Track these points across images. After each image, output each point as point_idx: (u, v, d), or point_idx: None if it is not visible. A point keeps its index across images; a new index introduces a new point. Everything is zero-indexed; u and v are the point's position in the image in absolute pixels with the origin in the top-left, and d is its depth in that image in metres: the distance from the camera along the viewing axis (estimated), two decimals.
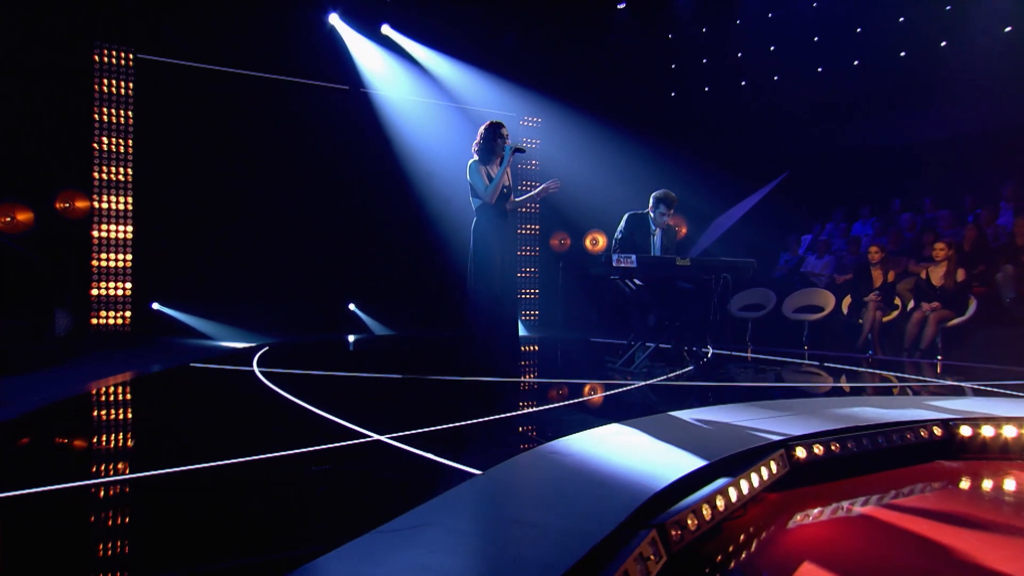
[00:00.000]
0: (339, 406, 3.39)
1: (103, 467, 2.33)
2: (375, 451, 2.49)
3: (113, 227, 8.03)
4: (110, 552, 1.62)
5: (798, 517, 2.33)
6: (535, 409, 3.28)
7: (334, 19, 8.98)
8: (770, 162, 9.85)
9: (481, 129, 4.53)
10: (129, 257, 8.07)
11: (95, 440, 2.78)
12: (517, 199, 4.67)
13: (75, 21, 7.80)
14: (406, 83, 9.49)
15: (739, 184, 9.89)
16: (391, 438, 2.61)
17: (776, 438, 2.66)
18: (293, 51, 8.83)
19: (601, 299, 9.78)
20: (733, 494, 2.13)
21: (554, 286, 10.44)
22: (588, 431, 2.72)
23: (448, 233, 8.83)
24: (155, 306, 8.36)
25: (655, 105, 10.51)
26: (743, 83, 10.41)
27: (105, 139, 7.94)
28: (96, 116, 7.89)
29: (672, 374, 4.60)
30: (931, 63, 8.97)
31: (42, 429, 3.00)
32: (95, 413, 3.37)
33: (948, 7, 8.77)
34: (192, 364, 4.98)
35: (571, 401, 3.57)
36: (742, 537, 2.08)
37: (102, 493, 2.03)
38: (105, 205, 8.01)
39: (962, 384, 4.51)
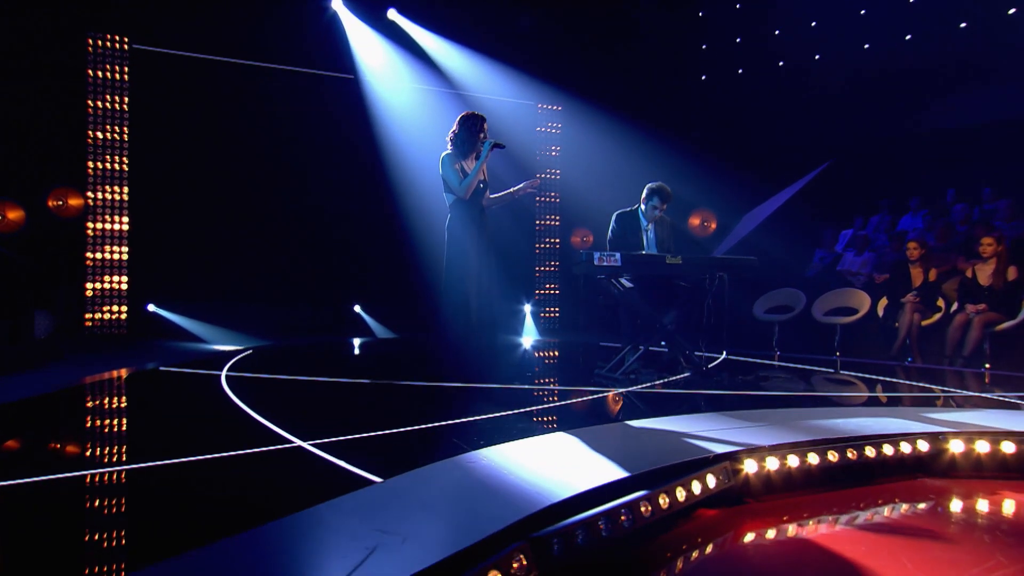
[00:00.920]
0: (282, 411, 3.50)
1: None
2: (288, 457, 2.57)
3: (108, 225, 8.37)
4: None
5: (737, 535, 2.32)
6: (484, 417, 3.32)
7: (337, 4, 9.17)
8: (809, 150, 9.65)
9: (459, 119, 4.59)
10: (125, 257, 8.41)
11: None
12: (493, 196, 4.71)
13: (67, 11, 8.15)
14: (414, 72, 9.62)
15: (774, 175, 9.73)
16: (313, 444, 2.69)
17: (724, 450, 2.64)
18: (295, 40, 9.06)
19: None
20: (645, 508, 2.13)
21: (576, 286, 10.44)
22: (523, 440, 2.75)
23: None
24: (151, 308, 8.67)
25: (684, 90, 10.42)
26: (780, 63, 10.23)
27: (99, 134, 8.30)
28: (90, 111, 8.24)
29: (660, 381, 4.58)
30: (995, 34, 8.64)
31: None
32: (27, 418, 3.55)
33: None
34: (162, 368, 5.17)
35: (528, 408, 3.59)
36: (659, 554, 2.09)
37: None
38: (100, 202, 8.36)
39: (1010, 399, 4.35)
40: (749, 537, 2.36)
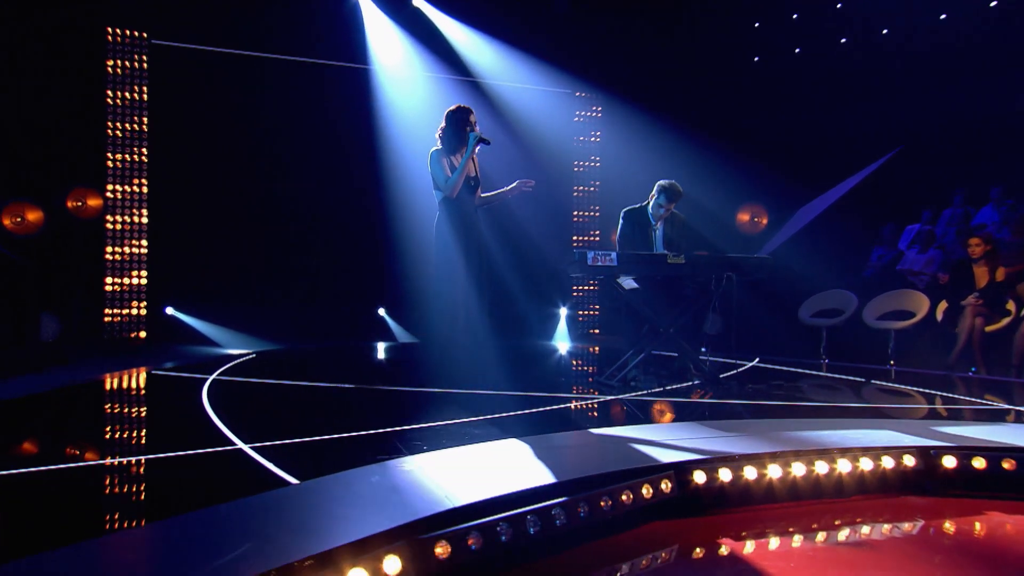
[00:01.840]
0: (244, 415, 3.73)
1: None
2: (221, 459, 2.76)
3: (128, 218, 8.85)
4: None
5: (684, 549, 2.38)
6: (445, 423, 3.45)
7: None
8: (874, 137, 9.40)
9: (446, 113, 4.74)
10: (144, 251, 8.89)
11: None
12: (485, 195, 4.83)
13: (86, 8, 8.67)
14: (441, 63, 9.81)
15: (833, 165, 9.51)
16: (254, 447, 2.88)
17: (676, 459, 2.70)
18: (318, 32, 9.37)
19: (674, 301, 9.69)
20: (561, 515, 2.22)
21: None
22: (468, 446, 2.88)
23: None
24: (169, 311, 9.14)
25: (734, 73, 10.30)
26: (843, 40, 9.99)
27: (119, 133, 8.80)
28: (110, 121, 8.75)
29: (660, 388, 4.61)
30: None
31: None
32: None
33: None
34: (155, 372, 5.51)
35: (498, 415, 3.70)
36: (576, 563, 2.18)
37: None
38: (119, 203, 8.87)
39: None
40: (697, 551, 2.42)
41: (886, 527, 2.65)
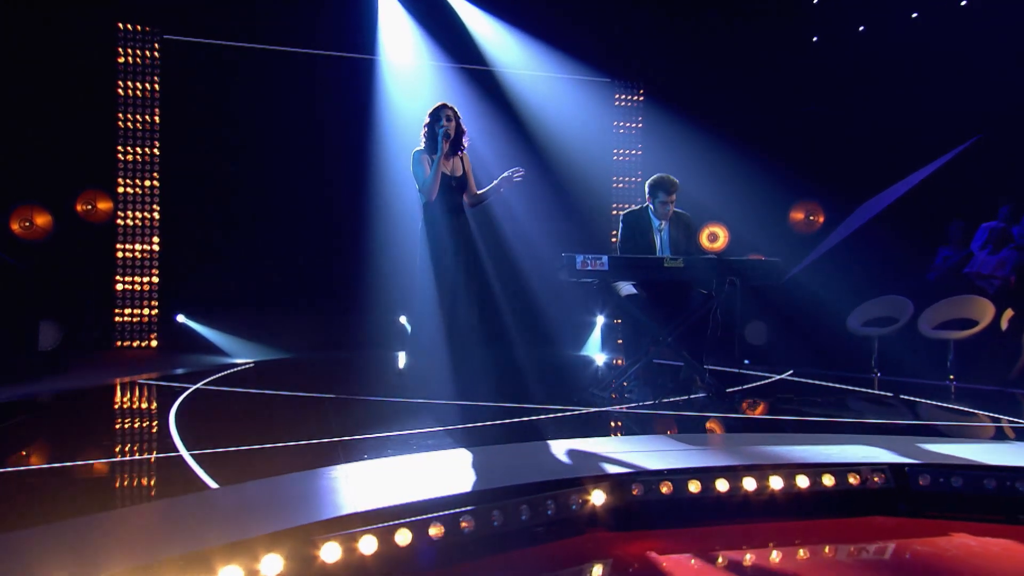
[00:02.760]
0: (205, 424, 4.04)
1: None
2: (159, 465, 3.06)
3: (140, 214, 9.38)
4: None
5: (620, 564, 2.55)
6: (401, 433, 3.69)
7: None
8: (947, 125, 9.24)
9: (430, 110, 4.99)
10: (156, 257, 9.41)
11: None
12: (480, 192, 5.04)
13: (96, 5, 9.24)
14: (469, 51, 10.06)
15: (897, 156, 9.39)
16: (195, 454, 3.16)
17: (615, 471, 2.87)
18: (341, 26, 9.72)
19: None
20: (468, 523, 2.42)
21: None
22: (404, 456, 3.12)
23: (507, 237, 9.37)
24: (180, 319, 9.64)
25: (788, 55, 10.27)
26: (914, 15, 9.87)
27: (130, 138, 9.35)
28: (120, 116, 9.30)
29: (655, 401, 4.75)
30: None
31: None
32: None
33: None
34: (141, 381, 5.93)
35: (463, 426, 3.92)
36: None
37: None
38: (131, 199, 9.40)
39: None
40: (631, 569, 2.58)
41: (840, 548, 2.76)
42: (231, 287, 9.55)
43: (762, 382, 6.27)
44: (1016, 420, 4.67)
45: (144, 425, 4.12)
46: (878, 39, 9.94)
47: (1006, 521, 2.96)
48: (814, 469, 3.03)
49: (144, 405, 4.92)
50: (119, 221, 9.33)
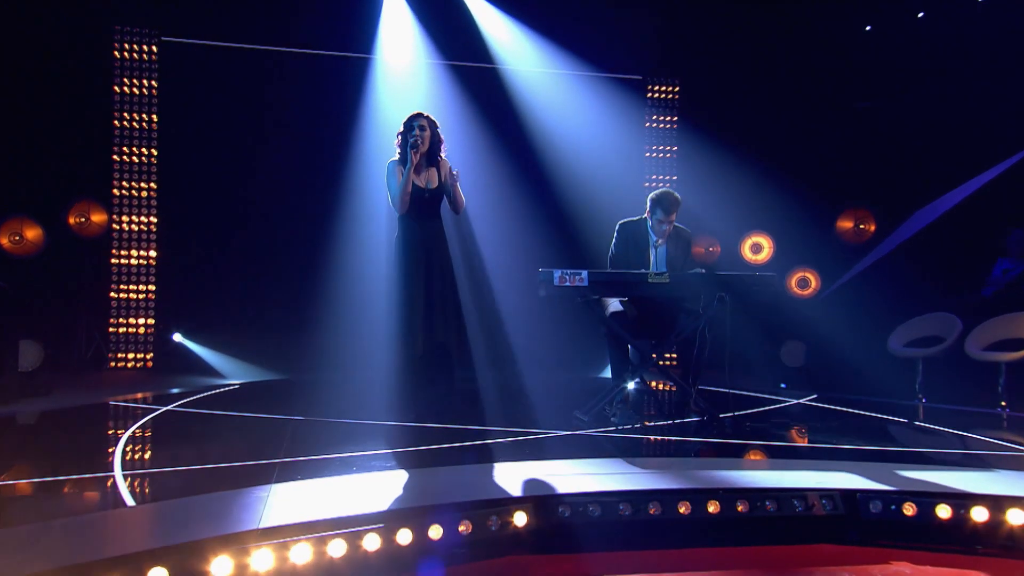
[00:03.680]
0: (157, 445, 4.39)
1: None
2: (89, 486, 3.42)
3: (136, 232, 9.87)
4: None
5: None
6: (349, 454, 4.01)
7: None
8: (1010, 124, 9.23)
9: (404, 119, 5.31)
10: (153, 267, 9.88)
11: None
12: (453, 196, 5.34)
13: (92, 6, 9.80)
14: (482, 50, 10.37)
15: (958, 158, 9.39)
16: (127, 474, 3.51)
17: (539, 493, 3.12)
18: (349, 23, 10.13)
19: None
20: (374, 542, 2.71)
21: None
22: (334, 478, 3.43)
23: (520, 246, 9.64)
24: (176, 338, 10.11)
25: (838, 46, 10.35)
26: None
27: (126, 146, 9.87)
28: (116, 121, 9.83)
29: (639, 425, 4.98)
30: None
31: None
32: None
33: None
34: (112, 402, 6.37)
35: (407, 448, 4.25)
36: None
37: None
38: (125, 224, 9.90)
39: None
40: None
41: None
42: (229, 305, 9.95)
43: (771, 407, 6.43)
44: None
45: (93, 445, 4.49)
46: (938, 26, 9.97)
47: (962, 551, 3.12)
48: (758, 494, 3.23)
49: (104, 425, 5.31)
50: (114, 226, 9.78)
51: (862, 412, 6.29)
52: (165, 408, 5.90)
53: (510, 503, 3.05)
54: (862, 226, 9.63)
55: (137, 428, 4.96)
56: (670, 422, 5.18)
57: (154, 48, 9.91)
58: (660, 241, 5.58)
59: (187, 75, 9.86)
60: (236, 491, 3.13)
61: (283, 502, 2.95)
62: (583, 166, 10.21)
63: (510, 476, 3.42)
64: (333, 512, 2.80)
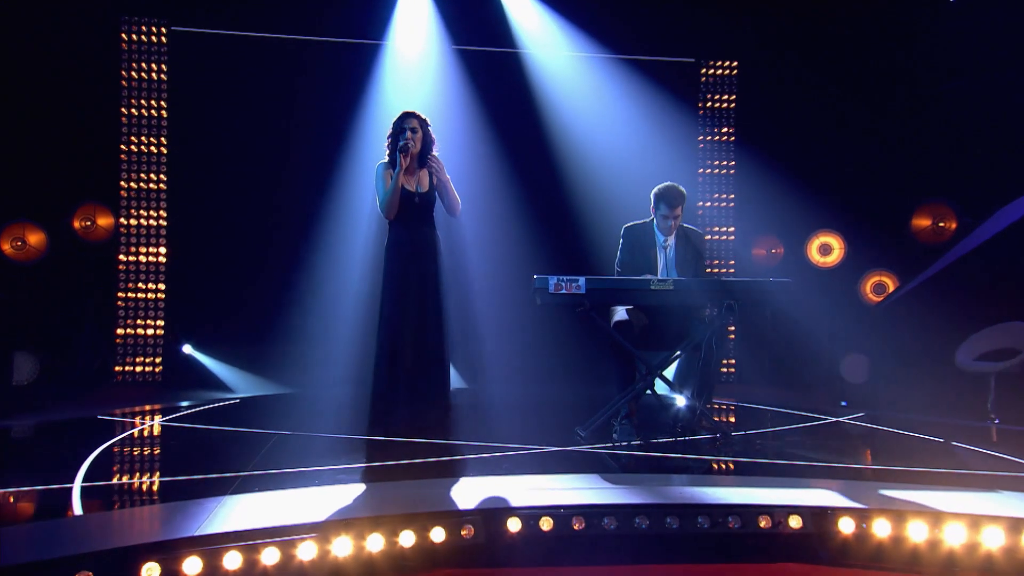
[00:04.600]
0: (130, 458, 4.88)
1: None
2: (46, 497, 3.87)
3: (143, 256, 10.41)
4: None
5: None
6: (319, 468, 4.40)
7: None
8: None
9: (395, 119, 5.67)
10: (163, 269, 10.38)
11: None
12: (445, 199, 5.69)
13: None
14: (509, 33, 10.70)
15: None
16: (85, 485, 3.96)
17: (488, 507, 3.45)
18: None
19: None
20: (311, 550, 3.08)
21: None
22: (295, 490, 3.81)
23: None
24: (186, 349, 10.65)
25: (917, 19, 10.38)
26: None
27: (134, 144, 10.44)
28: (124, 108, 10.40)
29: (639, 442, 5.28)
30: None
31: None
32: None
33: None
34: (99, 416, 6.89)
35: (396, 462, 4.61)
36: None
37: None
38: (133, 223, 10.47)
39: None
40: None
41: None
42: (242, 310, 10.33)
43: (801, 424, 6.63)
44: None
45: (64, 459, 4.95)
46: None
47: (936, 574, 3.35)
48: (720, 511, 3.51)
49: (84, 441, 5.75)
50: (122, 223, 10.31)
51: (900, 431, 6.39)
52: (154, 422, 6.38)
53: (459, 516, 3.39)
54: (941, 223, 9.68)
55: (115, 442, 5.42)
56: (675, 440, 5.44)
57: (163, 30, 10.44)
58: (667, 241, 5.83)
59: (195, 63, 10.34)
60: (186, 502, 3.54)
61: (229, 512, 3.33)
62: (622, 161, 10.36)
63: (469, 490, 3.76)
64: (270, 522, 3.17)
